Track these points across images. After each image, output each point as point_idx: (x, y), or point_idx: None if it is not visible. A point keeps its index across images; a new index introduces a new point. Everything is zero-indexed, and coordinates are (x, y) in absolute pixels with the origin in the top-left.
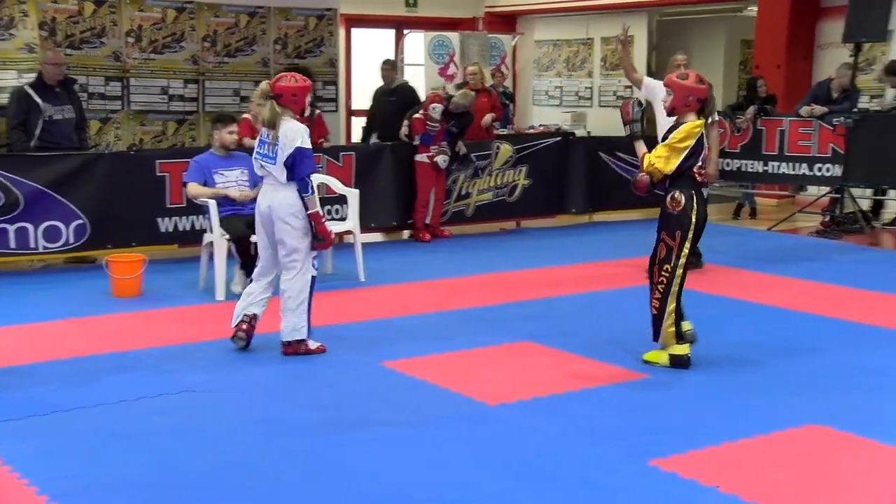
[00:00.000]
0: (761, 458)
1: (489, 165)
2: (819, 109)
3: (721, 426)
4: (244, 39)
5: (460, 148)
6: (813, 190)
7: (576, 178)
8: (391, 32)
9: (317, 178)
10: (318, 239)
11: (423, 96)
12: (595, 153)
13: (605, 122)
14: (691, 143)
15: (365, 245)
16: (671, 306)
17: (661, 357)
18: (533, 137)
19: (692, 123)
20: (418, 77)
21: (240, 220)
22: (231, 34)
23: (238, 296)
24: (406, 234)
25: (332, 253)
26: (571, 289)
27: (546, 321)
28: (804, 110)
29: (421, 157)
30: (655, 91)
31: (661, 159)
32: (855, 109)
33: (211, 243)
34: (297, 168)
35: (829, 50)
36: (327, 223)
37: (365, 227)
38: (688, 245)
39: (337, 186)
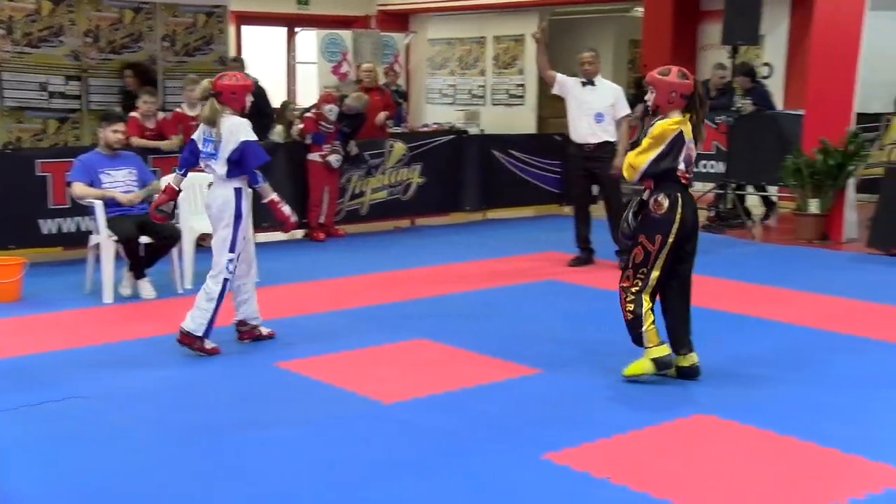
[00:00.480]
0: (651, 448)
1: (383, 164)
2: None
3: (612, 419)
4: (129, 36)
5: (351, 148)
6: (699, 185)
7: (469, 175)
8: (283, 30)
9: (209, 178)
10: (279, 222)
11: (314, 95)
12: (488, 151)
13: (498, 120)
14: (663, 143)
15: (258, 245)
16: (647, 305)
17: (644, 366)
18: (426, 136)
19: (665, 122)
20: (311, 75)
21: (128, 220)
22: (115, 30)
23: (127, 298)
24: (300, 233)
25: None
26: (466, 286)
27: (441, 318)
28: None
29: (313, 157)
30: (568, 87)
31: (627, 167)
32: (734, 108)
33: (97, 245)
34: (246, 161)
35: (711, 51)
36: (285, 206)
37: (258, 227)
38: (666, 251)
39: None
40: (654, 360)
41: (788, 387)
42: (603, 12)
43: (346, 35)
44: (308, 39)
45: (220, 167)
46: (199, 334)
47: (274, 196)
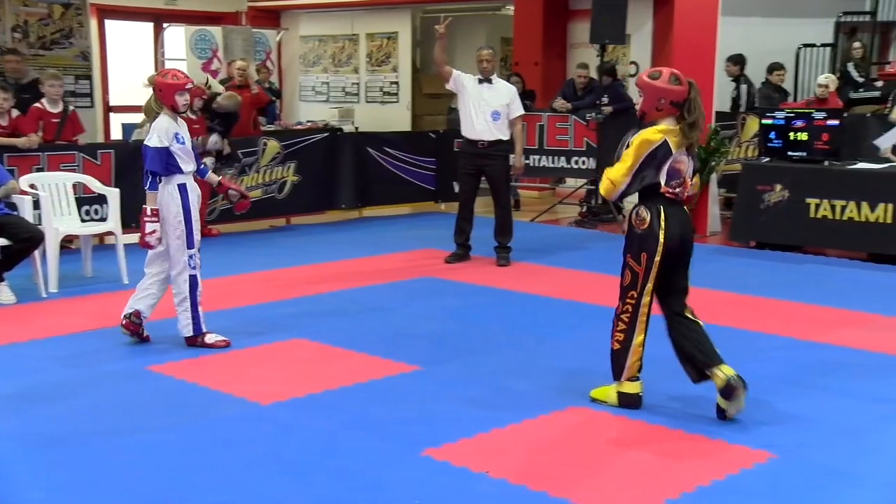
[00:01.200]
0: (528, 441)
1: (256, 162)
2: (563, 104)
3: (490, 413)
4: None
5: (224, 147)
6: (571, 181)
7: (345, 173)
8: (150, 26)
9: (73, 178)
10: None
11: None
12: (363, 149)
13: (372, 118)
14: (643, 154)
15: (128, 246)
16: (639, 338)
17: (609, 395)
18: (301, 133)
19: (645, 132)
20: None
21: None
22: (45, 25)
23: None
24: None
25: (92, 255)
26: (343, 284)
27: (318, 317)
28: (557, 104)
29: None
30: (464, 83)
31: (605, 182)
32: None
33: None
34: (144, 162)
35: (580, 49)
36: (149, 222)
37: (128, 228)
38: (655, 270)
39: (95, 186)
40: (620, 395)
41: (658, 377)
42: (475, 10)
43: (216, 31)
44: (176, 35)
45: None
46: (192, 334)
47: (147, 207)
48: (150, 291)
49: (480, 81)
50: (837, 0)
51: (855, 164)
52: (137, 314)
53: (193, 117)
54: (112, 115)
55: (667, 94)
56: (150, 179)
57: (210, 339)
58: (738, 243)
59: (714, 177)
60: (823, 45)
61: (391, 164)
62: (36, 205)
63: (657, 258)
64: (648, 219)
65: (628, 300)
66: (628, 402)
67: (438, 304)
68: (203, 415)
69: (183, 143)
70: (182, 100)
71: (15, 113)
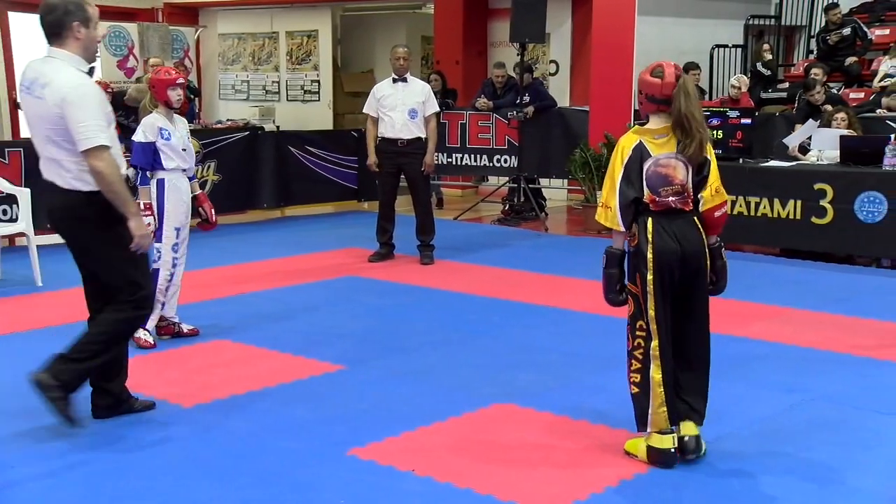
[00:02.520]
0: (454, 439)
1: None
2: (485, 103)
3: (415, 412)
4: None
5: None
6: (494, 180)
7: (266, 172)
8: None
9: None
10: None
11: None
12: (284, 147)
13: (293, 117)
14: (617, 165)
15: (41, 247)
16: (656, 376)
17: (639, 447)
18: (221, 132)
19: (621, 138)
20: (95, 70)
21: None
22: None
23: None
24: None
25: (2, 257)
26: (265, 284)
27: (240, 318)
28: (479, 103)
29: None
30: (380, 94)
31: (601, 207)
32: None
33: None
34: (133, 157)
35: (500, 48)
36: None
37: (40, 229)
38: (653, 290)
39: (4, 186)
40: (649, 449)
41: (582, 373)
42: (394, 8)
43: (131, 28)
44: None
45: None
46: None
47: (140, 201)
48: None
49: (395, 80)
50: (746, 3)
51: (767, 161)
52: (162, 318)
53: None
54: (20, 113)
55: (644, 88)
56: (139, 175)
57: (140, 333)
58: None
59: None
60: (734, 46)
61: (313, 163)
62: None
63: (650, 276)
64: (637, 234)
65: (638, 333)
66: (660, 460)
67: (362, 303)
68: (121, 419)
69: (168, 139)
70: (174, 94)
71: None
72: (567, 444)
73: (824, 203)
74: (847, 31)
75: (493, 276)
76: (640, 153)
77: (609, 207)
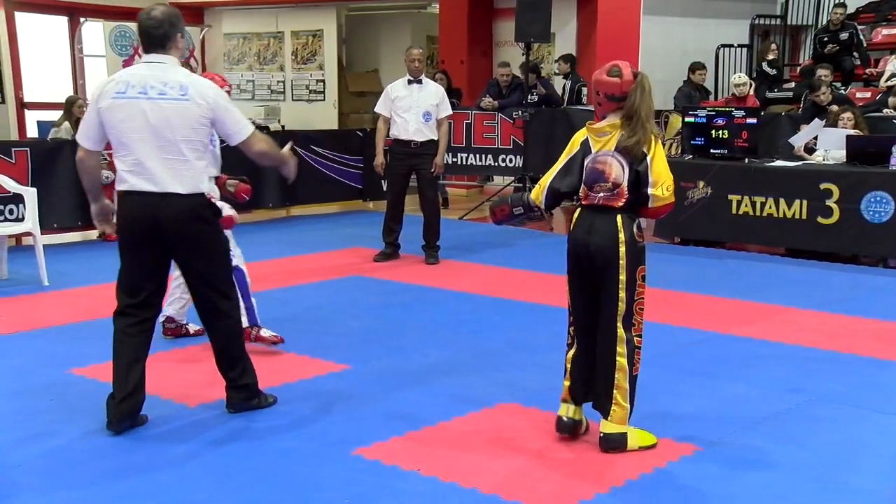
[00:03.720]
0: (458, 438)
1: None
2: (490, 103)
3: (420, 411)
4: None
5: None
6: (499, 179)
7: (271, 172)
8: (64, 20)
9: None
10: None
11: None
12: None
13: (298, 116)
14: (566, 155)
15: (47, 247)
16: (567, 354)
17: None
18: None
19: (578, 133)
20: (100, 69)
21: None
22: None
23: None
24: (94, 234)
25: (8, 256)
26: (270, 284)
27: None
28: (484, 103)
29: None
30: (394, 92)
31: (537, 185)
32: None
33: None
34: None
35: (506, 47)
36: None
37: (46, 229)
38: (568, 276)
39: (10, 185)
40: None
41: None
42: (399, 8)
43: (136, 27)
44: (95, 31)
45: None
46: (247, 325)
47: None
48: (177, 295)
49: (410, 82)
50: (752, 3)
51: (773, 161)
52: (170, 319)
53: None
54: (27, 112)
55: (602, 88)
56: None
57: (265, 333)
58: (662, 239)
59: None
60: (740, 46)
61: (318, 163)
62: None
63: (568, 265)
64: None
65: (569, 322)
66: (556, 425)
67: (366, 302)
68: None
69: (214, 146)
70: None
71: None
72: (571, 444)
73: (830, 203)
74: (845, 35)
75: (497, 275)
76: (585, 148)
77: (540, 187)
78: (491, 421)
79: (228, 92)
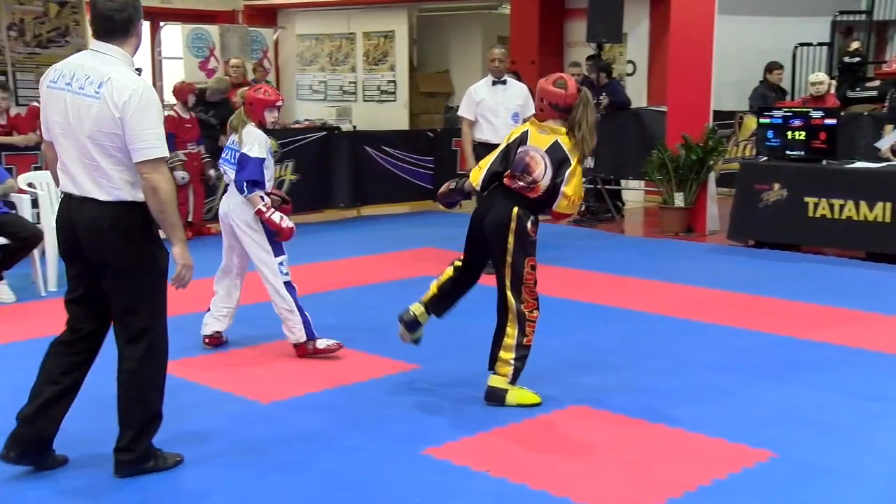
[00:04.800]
0: (529, 440)
1: None
2: None
3: (491, 412)
4: None
5: (209, 178)
6: None
7: (342, 172)
8: (146, 24)
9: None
10: (273, 232)
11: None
12: (360, 147)
13: (369, 117)
14: (505, 140)
15: None
16: (432, 284)
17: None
18: (298, 132)
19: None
20: (177, 71)
21: None
22: (41, 24)
23: None
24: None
25: None
26: (341, 283)
27: (315, 316)
28: None
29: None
30: (479, 94)
31: (475, 168)
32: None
33: None
34: (238, 172)
35: (577, 48)
36: (274, 215)
37: None
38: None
39: None
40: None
41: (656, 375)
42: (471, 9)
43: (212, 30)
44: (173, 34)
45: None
46: (305, 339)
47: (260, 206)
48: (227, 308)
49: (494, 83)
50: None
51: (853, 163)
52: (215, 334)
53: (186, 116)
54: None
55: (547, 96)
56: (247, 186)
57: (321, 344)
58: (735, 242)
59: (712, 176)
60: (820, 45)
61: (388, 163)
62: (34, 203)
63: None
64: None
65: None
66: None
67: None
68: (202, 413)
69: (269, 158)
70: (271, 116)
71: (14, 111)
72: (643, 447)
73: None
74: None
75: (568, 276)
76: (523, 137)
77: (481, 169)
78: (561, 423)
79: (279, 106)
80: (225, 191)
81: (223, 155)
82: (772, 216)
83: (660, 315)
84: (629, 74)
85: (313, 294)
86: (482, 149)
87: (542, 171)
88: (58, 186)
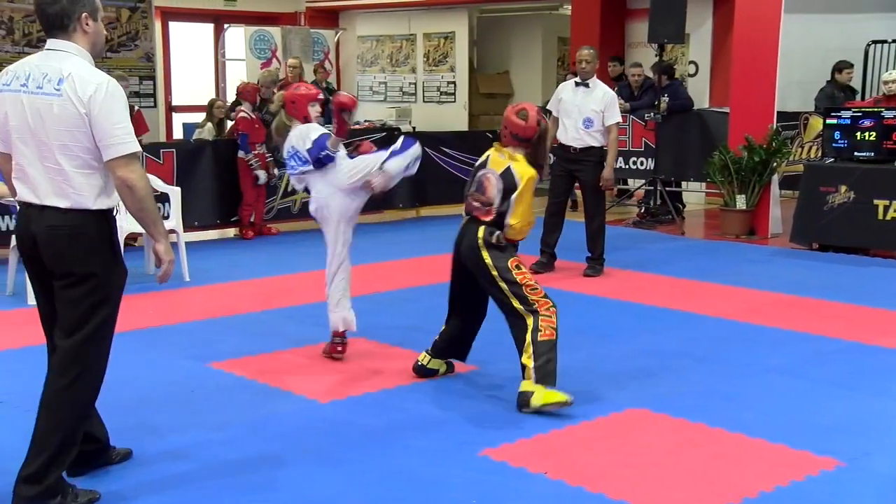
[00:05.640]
0: (586, 442)
1: None
2: (622, 105)
3: (548, 415)
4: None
5: (261, 176)
6: (631, 182)
7: None
8: (210, 27)
9: None
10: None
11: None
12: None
13: (429, 118)
14: (476, 165)
15: (189, 244)
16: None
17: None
18: (358, 133)
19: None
20: (240, 72)
21: None
22: (31, 22)
23: None
24: (231, 232)
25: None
26: (400, 283)
27: (374, 316)
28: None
29: (242, 154)
30: (560, 94)
31: None
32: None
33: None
34: (312, 150)
35: (638, 49)
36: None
37: (188, 226)
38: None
39: (158, 184)
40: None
41: (717, 379)
42: (532, 10)
43: (275, 31)
44: (236, 36)
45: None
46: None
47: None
48: (336, 298)
49: (577, 84)
50: None
51: None
52: (337, 334)
53: (254, 116)
54: (174, 115)
55: (509, 126)
56: (324, 157)
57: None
58: (799, 245)
59: (775, 178)
60: (894, 41)
61: (448, 164)
62: None
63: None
64: None
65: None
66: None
67: (494, 304)
68: (262, 411)
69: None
70: (314, 111)
71: None
72: (702, 452)
73: None
74: None
75: (627, 279)
76: (485, 161)
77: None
78: (619, 426)
79: (320, 99)
80: (286, 189)
81: (288, 163)
82: (837, 219)
83: (721, 318)
84: (691, 75)
85: (373, 294)
86: (559, 149)
87: (495, 193)
88: (14, 197)
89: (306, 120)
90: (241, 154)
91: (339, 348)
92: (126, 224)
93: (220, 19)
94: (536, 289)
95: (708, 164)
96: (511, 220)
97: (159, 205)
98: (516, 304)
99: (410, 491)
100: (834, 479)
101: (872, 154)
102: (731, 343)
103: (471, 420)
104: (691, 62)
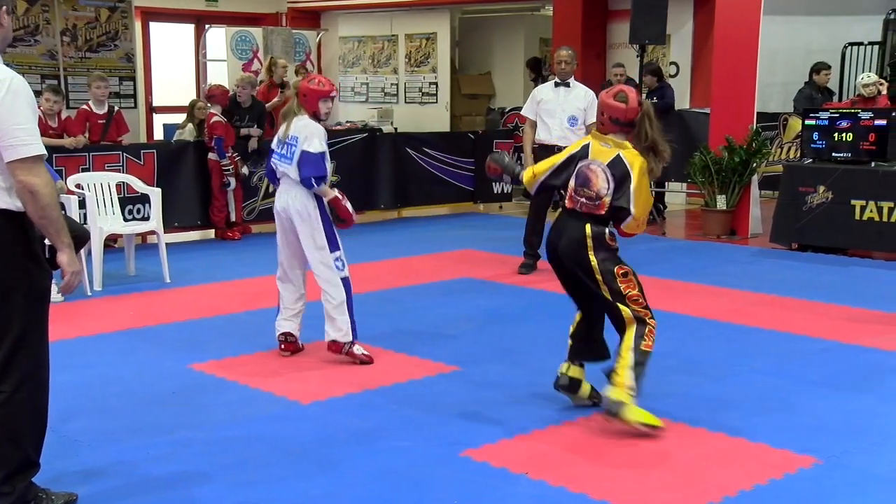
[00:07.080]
0: (568, 443)
1: None
2: None
3: (529, 414)
4: (24, 28)
5: (243, 172)
6: None
7: (383, 173)
8: (191, 27)
9: (117, 178)
10: (340, 220)
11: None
12: (402, 149)
13: (411, 119)
14: (565, 154)
15: (169, 245)
16: (570, 330)
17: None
18: (340, 134)
19: (584, 137)
20: (221, 73)
21: None
22: (92, 29)
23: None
24: (212, 233)
25: (135, 254)
26: (382, 284)
27: (357, 317)
28: None
29: (213, 156)
30: (539, 96)
31: (529, 173)
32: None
33: None
34: (301, 168)
35: (619, 49)
36: (346, 202)
37: (169, 227)
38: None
39: (138, 185)
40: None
41: (698, 379)
42: (513, 11)
43: (256, 32)
44: (217, 36)
45: (294, 172)
46: (350, 339)
47: (336, 194)
48: (296, 308)
49: (557, 85)
50: None
51: None
52: (288, 335)
53: (223, 120)
54: (155, 116)
55: (607, 109)
56: (315, 181)
57: (357, 350)
58: (778, 245)
59: (755, 178)
60: (871, 44)
61: (430, 165)
62: (81, 204)
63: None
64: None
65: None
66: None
67: (477, 304)
68: (243, 413)
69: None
70: (325, 107)
71: (65, 114)
72: (684, 451)
73: None
74: None
75: None
76: (584, 152)
77: (535, 176)
78: (602, 426)
79: (333, 97)
80: (267, 190)
81: (275, 149)
82: (816, 219)
83: (702, 318)
84: (672, 76)
85: (354, 294)
86: (541, 150)
87: (604, 186)
88: None
89: (315, 115)
90: (213, 157)
91: (283, 346)
92: (105, 226)
93: (201, 20)
94: (640, 302)
95: (689, 164)
96: (635, 210)
97: (139, 206)
98: (621, 306)
99: (391, 492)
100: (812, 476)
101: (850, 155)
102: (712, 343)
103: (452, 421)
104: (672, 63)
